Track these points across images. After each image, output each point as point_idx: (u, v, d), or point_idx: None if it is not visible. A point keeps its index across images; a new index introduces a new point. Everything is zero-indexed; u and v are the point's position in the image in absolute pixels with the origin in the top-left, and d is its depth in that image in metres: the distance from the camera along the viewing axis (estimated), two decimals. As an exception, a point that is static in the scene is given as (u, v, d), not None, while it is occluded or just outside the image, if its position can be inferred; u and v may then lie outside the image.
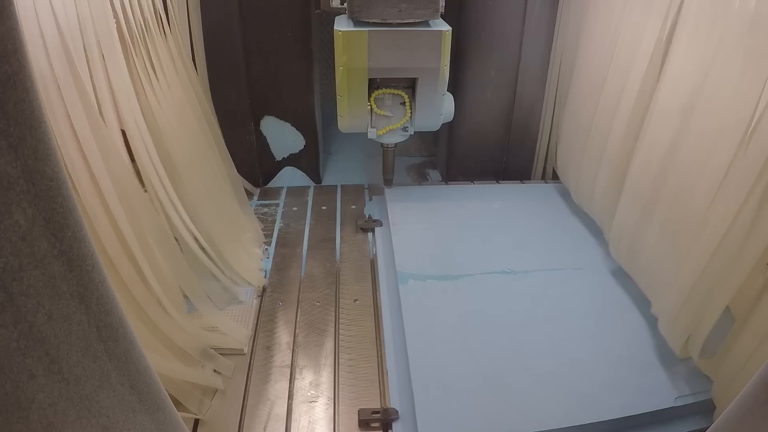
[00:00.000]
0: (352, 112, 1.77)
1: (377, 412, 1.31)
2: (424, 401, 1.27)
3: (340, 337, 1.58)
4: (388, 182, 2.15)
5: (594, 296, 1.65)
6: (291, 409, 1.35)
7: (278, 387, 1.41)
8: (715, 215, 1.20)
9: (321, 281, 1.82)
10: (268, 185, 2.47)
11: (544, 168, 2.51)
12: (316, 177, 2.51)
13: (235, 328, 1.57)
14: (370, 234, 2.08)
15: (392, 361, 1.48)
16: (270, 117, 2.33)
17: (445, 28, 1.65)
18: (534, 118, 2.39)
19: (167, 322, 1.32)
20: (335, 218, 2.19)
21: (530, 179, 2.55)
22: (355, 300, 1.74)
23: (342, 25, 1.65)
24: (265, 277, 1.83)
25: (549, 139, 2.41)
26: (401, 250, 1.83)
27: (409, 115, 1.81)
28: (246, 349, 1.52)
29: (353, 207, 2.26)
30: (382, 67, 1.66)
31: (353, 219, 2.17)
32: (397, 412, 1.32)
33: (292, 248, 2.00)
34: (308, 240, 2.05)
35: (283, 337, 1.58)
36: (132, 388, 0.49)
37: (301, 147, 2.43)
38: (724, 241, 1.17)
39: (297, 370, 1.47)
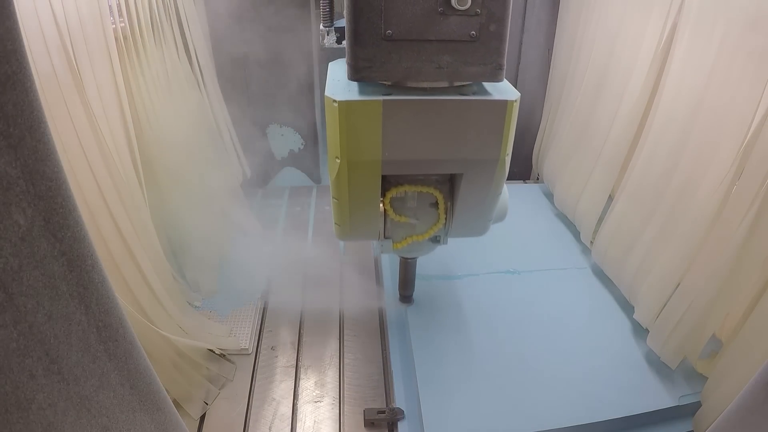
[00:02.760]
0: (355, 221, 1.14)
1: (383, 412, 1.31)
2: (430, 400, 1.27)
3: (345, 337, 1.58)
4: (407, 299, 1.59)
5: (596, 295, 1.65)
6: (296, 409, 1.35)
7: (283, 387, 1.41)
8: (718, 225, 1.19)
9: (325, 281, 1.82)
10: (269, 185, 2.47)
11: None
12: (316, 177, 2.51)
13: (239, 328, 1.57)
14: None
15: (397, 360, 1.48)
16: (271, 120, 2.35)
17: (512, 95, 0.99)
18: (534, 118, 2.38)
19: (169, 322, 1.32)
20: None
21: (530, 179, 2.54)
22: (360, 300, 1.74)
23: (338, 87, 0.99)
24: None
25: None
26: (405, 250, 1.82)
27: (444, 221, 1.18)
28: (251, 349, 1.52)
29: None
30: (405, 159, 1.02)
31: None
32: (402, 411, 1.32)
33: (295, 249, 2.00)
34: (312, 240, 2.05)
35: (288, 337, 1.58)
36: (132, 388, 0.48)
37: (301, 147, 2.43)
38: (724, 256, 1.16)
39: (302, 370, 1.47)
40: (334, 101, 0.95)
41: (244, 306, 1.68)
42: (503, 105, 0.97)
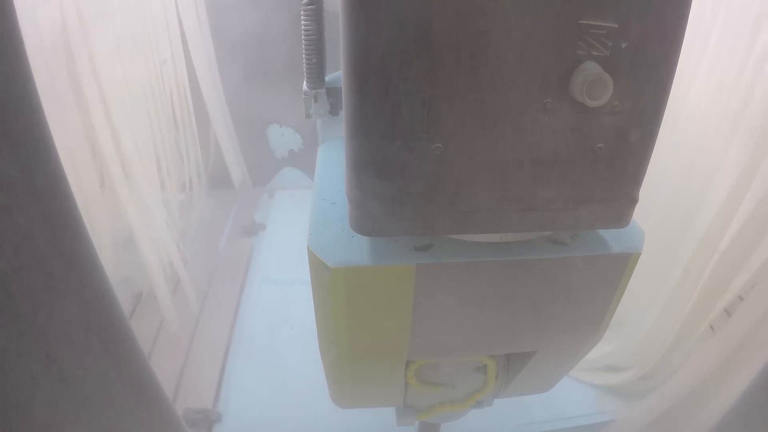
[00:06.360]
0: (360, 391, 0.83)
1: (200, 413, 1.32)
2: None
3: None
4: None
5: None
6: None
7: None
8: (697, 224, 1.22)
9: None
10: (268, 185, 2.48)
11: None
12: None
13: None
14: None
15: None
16: (273, 121, 2.36)
17: (636, 241, 0.61)
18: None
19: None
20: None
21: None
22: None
23: (331, 228, 0.60)
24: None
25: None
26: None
27: (493, 386, 0.85)
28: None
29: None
30: (448, 345, 0.70)
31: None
32: (219, 414, 1.32)
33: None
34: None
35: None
36: (132, 388, 0.48)
37: (301, 147, 2.44)
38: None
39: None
40: (326, 265, 0.55)
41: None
42: (623, 260, 0.60)
